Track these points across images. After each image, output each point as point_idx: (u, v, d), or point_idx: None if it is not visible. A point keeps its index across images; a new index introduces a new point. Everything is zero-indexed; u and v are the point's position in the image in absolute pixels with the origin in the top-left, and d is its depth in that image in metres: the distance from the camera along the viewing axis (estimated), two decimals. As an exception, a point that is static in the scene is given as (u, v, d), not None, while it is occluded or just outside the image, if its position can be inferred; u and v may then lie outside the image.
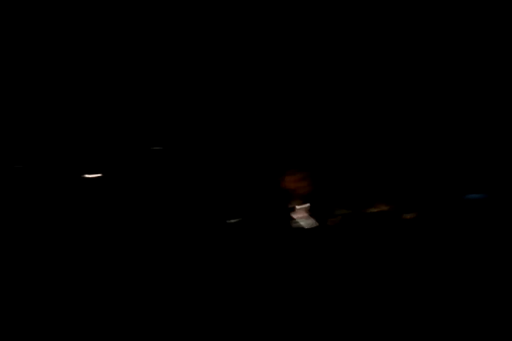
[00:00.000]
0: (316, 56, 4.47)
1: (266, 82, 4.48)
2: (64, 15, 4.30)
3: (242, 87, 4.49)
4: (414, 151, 4.29)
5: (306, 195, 4.03)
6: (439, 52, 4.47)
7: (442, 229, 3.53)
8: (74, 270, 3.60)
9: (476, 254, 3.35)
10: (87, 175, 4.18)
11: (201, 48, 4.43)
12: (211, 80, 4.48)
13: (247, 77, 4.47)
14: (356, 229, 3.63)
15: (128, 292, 3.43)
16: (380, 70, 4.48)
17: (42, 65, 4.33)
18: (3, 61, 4.26)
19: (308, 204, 3.97)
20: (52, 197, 4.06)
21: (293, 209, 3.98)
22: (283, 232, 3.73)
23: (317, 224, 3.82)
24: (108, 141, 4.33)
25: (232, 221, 3.92)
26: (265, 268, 3.46)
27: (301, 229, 3.83)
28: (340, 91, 4.49)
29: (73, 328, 3.23)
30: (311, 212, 3.92)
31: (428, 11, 4.43)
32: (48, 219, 3.94)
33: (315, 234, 3.68)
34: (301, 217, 3.92)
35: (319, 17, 4.41)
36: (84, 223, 3.95)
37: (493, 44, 4.41)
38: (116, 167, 4.25)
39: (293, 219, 3.92)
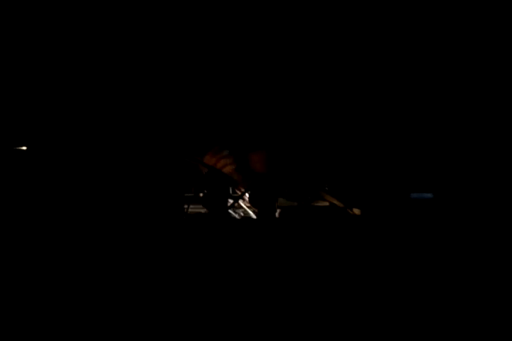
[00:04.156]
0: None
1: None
2: (63, 15, 4.35)
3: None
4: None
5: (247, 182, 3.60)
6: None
7: (388, 228, 3.47)
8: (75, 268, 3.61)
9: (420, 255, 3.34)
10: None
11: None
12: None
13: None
14: (303, 222, 3.40)
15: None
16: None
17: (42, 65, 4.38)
18: (4, 61, 4.30)
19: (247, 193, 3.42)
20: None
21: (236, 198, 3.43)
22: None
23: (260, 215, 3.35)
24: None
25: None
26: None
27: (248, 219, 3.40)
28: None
29: (73, 328, 3.26)
30: (252, 202, 3.42)
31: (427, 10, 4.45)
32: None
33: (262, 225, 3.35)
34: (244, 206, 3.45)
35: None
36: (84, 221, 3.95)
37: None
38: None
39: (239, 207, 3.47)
